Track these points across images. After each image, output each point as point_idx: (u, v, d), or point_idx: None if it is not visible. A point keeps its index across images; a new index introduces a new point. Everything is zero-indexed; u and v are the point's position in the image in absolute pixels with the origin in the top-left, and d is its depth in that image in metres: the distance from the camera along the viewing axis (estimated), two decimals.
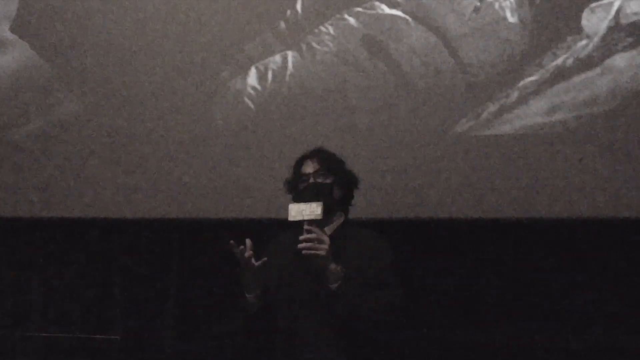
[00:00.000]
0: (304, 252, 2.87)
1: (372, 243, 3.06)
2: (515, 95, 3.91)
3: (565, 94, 3.86)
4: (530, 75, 3.90)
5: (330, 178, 3.10)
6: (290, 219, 2.94)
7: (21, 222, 4.48)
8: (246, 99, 4.22)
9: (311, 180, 3.08)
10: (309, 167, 3.12)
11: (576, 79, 3.85)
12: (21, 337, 4.48)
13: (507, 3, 3.94)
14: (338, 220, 3.10)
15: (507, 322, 3.97)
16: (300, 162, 3.16)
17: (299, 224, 2.94)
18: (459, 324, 4.03)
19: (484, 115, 3.95)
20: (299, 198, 3.05)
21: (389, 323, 2.95)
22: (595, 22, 3.84)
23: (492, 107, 3.94)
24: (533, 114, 3.89)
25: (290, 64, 4.17)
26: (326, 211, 2.93)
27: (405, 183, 4.01)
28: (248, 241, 2.91)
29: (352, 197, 3.18)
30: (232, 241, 2.90)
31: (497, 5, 3.96)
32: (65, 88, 4.45)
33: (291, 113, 4.17)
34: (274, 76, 4.19)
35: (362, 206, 3.96)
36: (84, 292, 4.50)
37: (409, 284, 3.97)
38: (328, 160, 3.14)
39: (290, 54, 4.18)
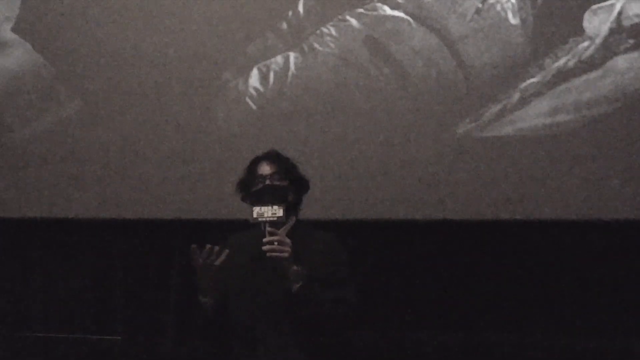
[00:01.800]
0: (268, 254, 2.88)
1: (325, 242, 3.08)
2: (516, 96, 3.92)
3: (566, 96, 3.87)
4: (531, 77, 3.91)
5: (285, 181, 3.10)
6: (252, 220, 2.95)
7: (23, 222, 4.48)
8: (248, 100, 4.22)
9: (267, 182, 3.08)
10: (265, 169, 3.11)
11: (578, 80, 3.86)
12: (23, 338, 4.48)
13: (509, 4, 3.95)
14: (291, 222, 3.10)
15: (509, 322, 3.98)
16: (254, 163, 3.16)
17: (252, 227, 2.97)
18: (462, 324, 4.03)
19: (486, 116, 3.96)
20: (254, 199, 3.05)
21: (347, 320, 2.98)
22: (596, 23, 3.85)
23: (494, 109, 3.95)
24: (534, 115, 3.90)
25: (292, 65, 4.18)
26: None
27: (405, 184, 4.01)
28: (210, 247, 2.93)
29: (301, 201, 3.18)
30: (194, 246, 2.92)
31: (498, 7, 3.96)
32: (67, 89, 4.45)
33: (293, 114, 4.17)
34: (275, 77, 4.19)
35: (363, 206, 3.99)
36: (85, 293, 4.49)
37: (404, 285, 4.01)
38: (283, 163, 3.14)
39: (292, 55, 4.18)
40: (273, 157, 3.15)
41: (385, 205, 4.01)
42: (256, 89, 4.21)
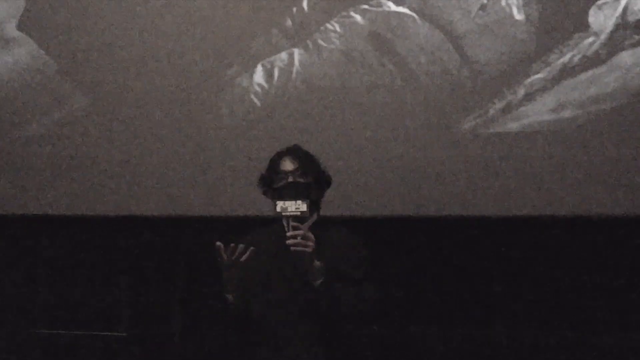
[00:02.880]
0: (292, 248, 2.87)
1: (346, 239, 3.09)
2: (521, 92, 3.91)
3: (572, 91, 3.86)
4: (536, 73, 3.90)
5: (308, 177, 3.10)
6: (275, 215, 2.95)
7: (29, 219, 4.49)
8: (252, 96, 4.22)
9: (290, 178, 3.08)
10: (288, 165, 3.11)
11: (583, 76, 3.85)
12: (28, 334, 4.49)
13: (514, 0, 3.94)
14: (312, 218, 3.10)
15: (519, 321, 3.98)
16: (277, 158, 3.16)
17: (269, 223, 2.99)
18: (467, 323, 4.03)
19: (491, 112, 3.95)
20: (276, 195, 3.05)
21: (367, 316, 3.00)
22: (602, 19, 3.84)
23: (499, 105, 3.95)
24: (540, 111, 3.89)
25: (296, 62, 4.17)
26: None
27: (411, 180, 4.01)
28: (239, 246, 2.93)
29: (323, 196, 3.18)
30: (219, 243, 2.92)
31: (503, 3, 3.96)
32: (72, 85, 4.45)
33: (297, 110, 4.17)
34: (280, 73, 4.19)
35: (367, 204, 3.99)
36: (91, 290, 4.50)
37: (410, 282, 4.01)
38: (306, 160, 3.13)
39: (296, 52, 4.18)
40: (296, 152, 3.14)
41: (389, 201, 4.01)
42: (261, 86, 4.21)
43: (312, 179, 3.10)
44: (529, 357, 3.95)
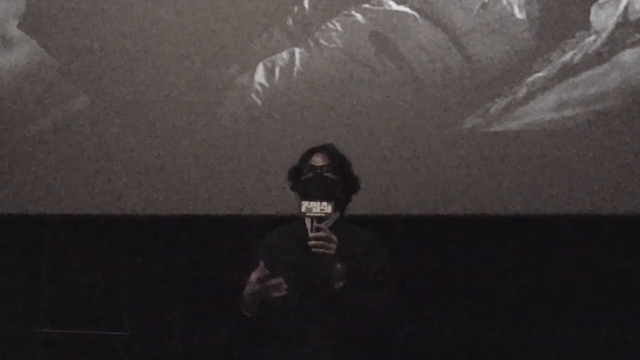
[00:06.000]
0: (313, 249, 2.85)
1: (368, 242, 3.05)
2: (523, 91, 3.91)
3: (573, 90, 3.86)
4: (538, 72, 3.90)
5: (337, 175, 3.08)
6: (300, 215, 2.94)
7: (31, 219, 4.49)
8: (253, 96, 4.23)
9: (318, 172, 3.07)
10: (319, 160, 3.09)
11: (584, 75, 3.85)
12: (31, 334, 4.50)
13: None
14: (334, 217, 3.05)
15: (519, 321, 3.97)
16: (310, 153, 3.13)
17: (294, 222, 2.97)
18: (466, 322, 4.03)
19: (492, 111, 3.95)
20: (302, 187, 3.03)
21: (388, 322, 2.96)
22: (603, 18, 3.84)
23: (500, 104, 3.94)
24: (541, 110, 3.89)
25: (297, 61, 4.17)
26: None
27: (412, 179, 4.01)
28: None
29: (350, 200, 3.15)
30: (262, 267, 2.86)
31: (504, 1, 3.96)
32: (73, 85, 4.46)
33: (298, 109, 4.17)
34: (281, 73, 4.19)
35: (369, 202, 3.98)
36: (93, 289, 4.51)
37: (411, 281, 4.00)
38: (337, 158, 3.12)
39: (297, 51, 4.18)
40: (328, 150, 3.12)
41: (389, 200, 4.01)
42: (261, 85, 4.21)
43: (340, 178, 3.06)
44: (529, 357, 3.95)
